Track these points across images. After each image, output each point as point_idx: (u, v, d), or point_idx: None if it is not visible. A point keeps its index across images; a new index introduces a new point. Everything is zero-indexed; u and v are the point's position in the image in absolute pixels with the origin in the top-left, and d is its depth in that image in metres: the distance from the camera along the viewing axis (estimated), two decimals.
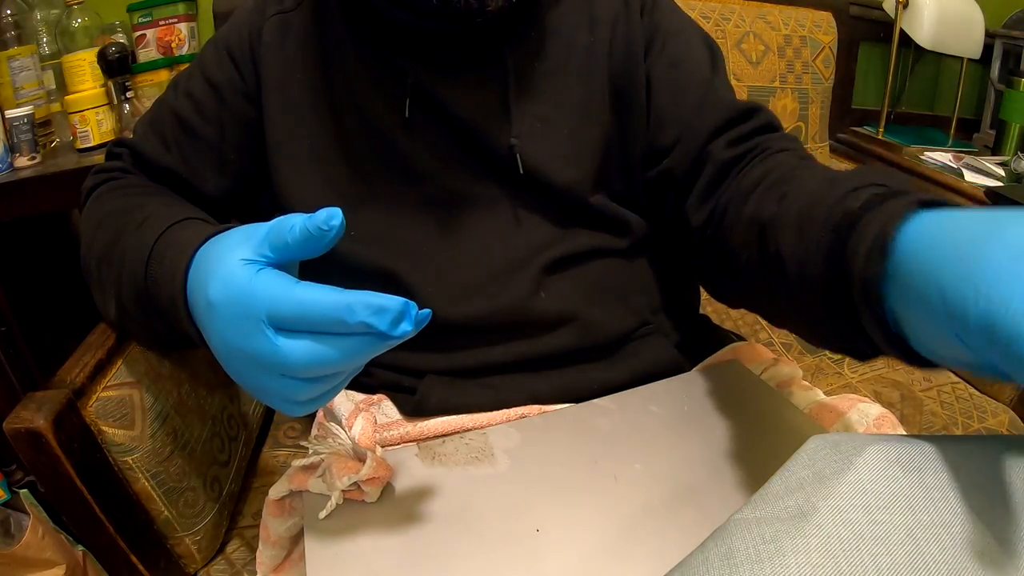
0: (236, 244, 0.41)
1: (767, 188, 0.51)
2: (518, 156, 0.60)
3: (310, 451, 0.51)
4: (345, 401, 0.58)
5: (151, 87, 1.15)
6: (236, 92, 0.63)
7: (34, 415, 0.51)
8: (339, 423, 0.54)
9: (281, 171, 0.63)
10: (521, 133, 0.61)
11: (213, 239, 0.45)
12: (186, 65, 1.11)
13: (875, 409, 0.59)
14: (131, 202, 0.59)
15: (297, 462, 0.51)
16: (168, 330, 0.51)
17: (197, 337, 0.46)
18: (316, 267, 0.65)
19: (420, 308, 0.58)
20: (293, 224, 0.39)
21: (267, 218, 0.69)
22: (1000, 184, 1.12)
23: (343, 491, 0.47)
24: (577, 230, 0.63)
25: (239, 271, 0.39)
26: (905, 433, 0.60)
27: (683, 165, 0.61)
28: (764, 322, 1.07)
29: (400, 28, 0.60)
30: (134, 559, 0.58)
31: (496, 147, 0.61)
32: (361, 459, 0.47)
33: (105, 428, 0.57)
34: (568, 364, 0.62)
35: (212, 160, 0.64)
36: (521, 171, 0.60)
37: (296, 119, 0.62)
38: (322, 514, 0.47)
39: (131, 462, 0.58)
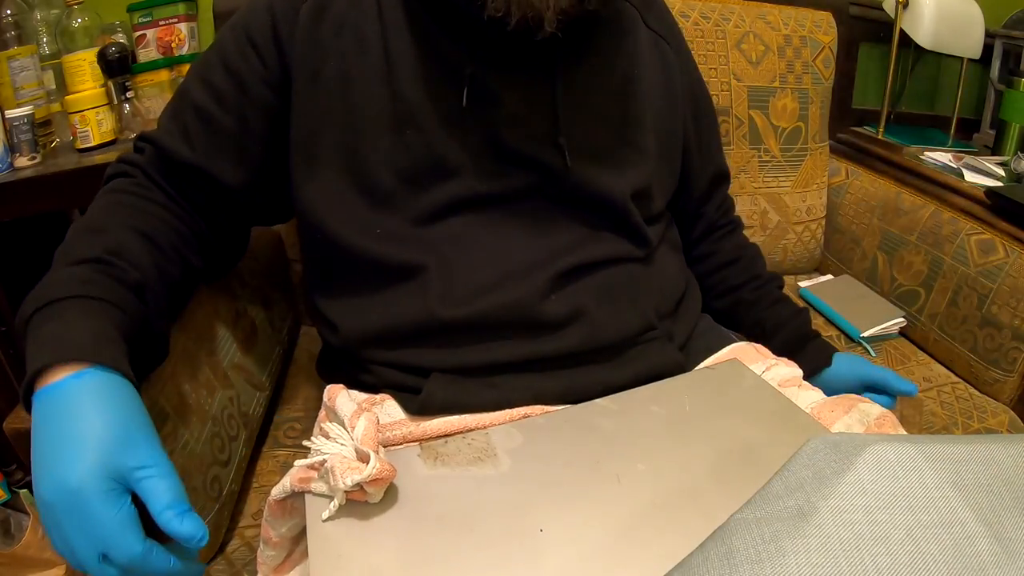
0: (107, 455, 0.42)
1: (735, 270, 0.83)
2: (566, 152, 0.61)
3: (312, 451, 0.51)
4: (347, 401, 0.58)
5: (151, 87, 1.15)
6: (258, 80, 0.62)
7: None
8: (341, 423, 0.54)
9: (302, 163, 0.62)
10: (566, 134, 0.61)
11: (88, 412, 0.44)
12: (186, 65, 1.11)
13: (876, 409, 0.59)
14: (97, 222, 0.58)
15: (299, 462, 0.51)
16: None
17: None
18: (329, 261, 0.65)
19: (428, 306, 0.60)
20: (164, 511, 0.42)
21: (287, 213, 0.73)
22: (1000, 184, 1.12)
23: (346, 492, 0.47)
24: (602, 236, 0.64)
25: (104, 499, 0.41)
26: (905, 433, 0.60)
27: (690, 207, 0.82)
28: None
29: (463, 19, 0.59)
30: None
31: (541, 143, 0.61)
32: (364, 460, 0.47)
33: None
34: (573, 365, 0.62)
35: (233, 152, 0.63)
36: (568, 164, 0.61)
37: (325, 108, 0.61)
38: (325, 515, 0.47)
39: None
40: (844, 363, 0.77)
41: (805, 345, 0.77)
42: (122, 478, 0.42)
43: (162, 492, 0.42)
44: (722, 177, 0.85)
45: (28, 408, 0.46)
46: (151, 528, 0.42)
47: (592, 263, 0.63)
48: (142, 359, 0.53)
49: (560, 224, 0.63)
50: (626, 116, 0.66)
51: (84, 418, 0.43)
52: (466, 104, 0.59)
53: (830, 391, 0.66)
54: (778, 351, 0.73)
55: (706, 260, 0.84)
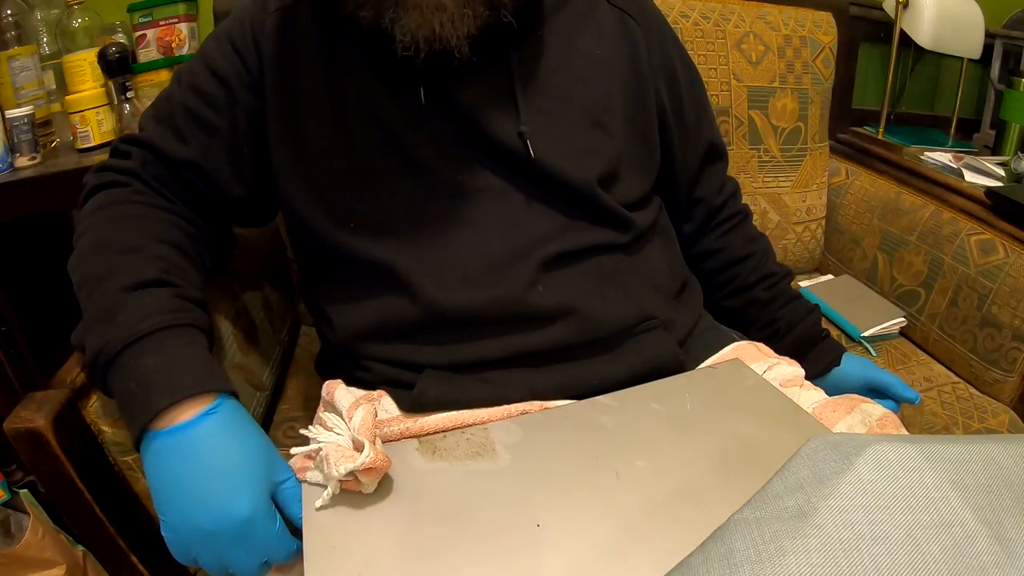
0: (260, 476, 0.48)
1: (744, 268, 0.81)
2: (528, 143, 0.61)
3: (310, 442, 0.51)
4: (346, 395, 0.58)
5: (151, 87, 1.15)
6: (243, 84, 0.63)
7: (34, 415, 0.51)
8: (339, 415, 0.54)
9: (281, 161, 0.63)
10: (528, 122, 0.62)
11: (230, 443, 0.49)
12: None
13: (878, 410, 0.59)
14: (125, 239, 0.57)
15: (295, 450, 0.51)
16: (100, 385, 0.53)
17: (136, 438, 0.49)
18: (317, 259, 0.66)
19: (415, 300, 0.60)
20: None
21: (274, 211, 0.75)
22: (1000, 184, 1.12)
23: (340, 481, 0.47)
24: (580, 224, 0.64)
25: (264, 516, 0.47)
26: (907, 434, 0.60)
27: (681, 191, 0.79)
28: None
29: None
30: (134, 559, 0.58)
31: (504, 136, 0.61)
32: (359, 449, 0.47)
33: (105, 428, 0.57)
34: (567, 359, 0.62)
35: (228, 155, 0.64)
36: (532, 155, 0.61)
37: (296, 111, 0.62)
38: (318, 503, 0.47)
39: (131, 462, 0.58)
40: (852, 364, 0.77)
41: (818, 343, 0.77)
42: (272, 492, 0.49)
43: (297, 498, 0.49)
44: (715, 153, 0.80)
45: (138, 446, 0.49)
46: None
47: (574, 251, 0.63)
48: None
49: (536, 214, 0.63)
50: (593, 96, 0.66)
51: (231, 450, 0.48)
52: (425, 102, 0.61)
53: (836, 391, 0.66)
54: (790, 349, 0.73)
55: (715, 256, 0.81)
